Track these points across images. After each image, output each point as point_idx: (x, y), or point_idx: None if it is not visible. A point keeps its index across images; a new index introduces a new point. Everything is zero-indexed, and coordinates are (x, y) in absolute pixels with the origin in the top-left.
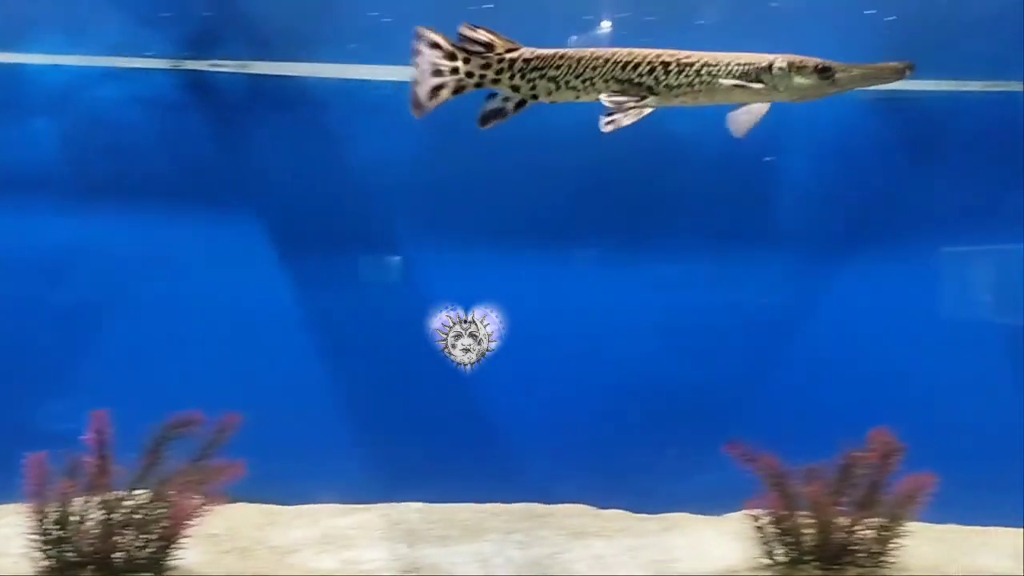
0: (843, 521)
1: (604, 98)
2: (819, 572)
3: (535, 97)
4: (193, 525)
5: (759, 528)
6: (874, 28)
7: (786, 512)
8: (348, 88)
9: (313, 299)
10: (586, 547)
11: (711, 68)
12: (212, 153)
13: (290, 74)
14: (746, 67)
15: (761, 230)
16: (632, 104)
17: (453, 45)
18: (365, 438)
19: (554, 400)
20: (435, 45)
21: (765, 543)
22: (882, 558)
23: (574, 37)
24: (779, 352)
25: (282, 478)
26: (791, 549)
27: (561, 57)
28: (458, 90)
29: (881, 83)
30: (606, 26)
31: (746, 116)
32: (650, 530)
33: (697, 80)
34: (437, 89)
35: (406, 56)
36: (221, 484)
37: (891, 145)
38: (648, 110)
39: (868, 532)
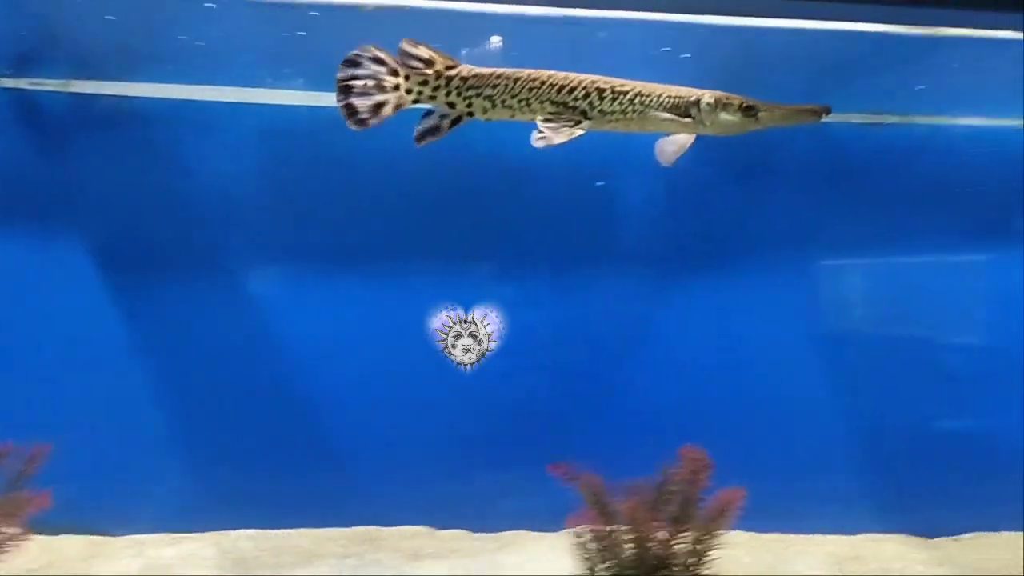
0: (661, 535)
1: (540, 120)
2: None
3: (471, 115)
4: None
5: (581, 544)
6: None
7: (605, 528)
8: (172, 107)
9: (140, 321)
10: (418, 568)
11: (643, 98)
12: (34, 172)
13: (113, 93)
14: (676, 100)
15: (595, 252)
16: (566, 126)
17: (396, 61)
18: (198, 465)
19: (392, 422)
20: (379, 61)
21: (587, 559)
22: (697, 569)
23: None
24: (614, 372)
25: (112, 508)
26: (612, 564)
27: (498, 77)
28: (398, 106)
29: (800, 122)
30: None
31: (672, 147)
32: (486, 549)
33: (630, 108)
34: (379, 106)
35: (225, 77)
36: (29, 516)
37: (722, 167)
38: (580, 132)
39: (683, 545)
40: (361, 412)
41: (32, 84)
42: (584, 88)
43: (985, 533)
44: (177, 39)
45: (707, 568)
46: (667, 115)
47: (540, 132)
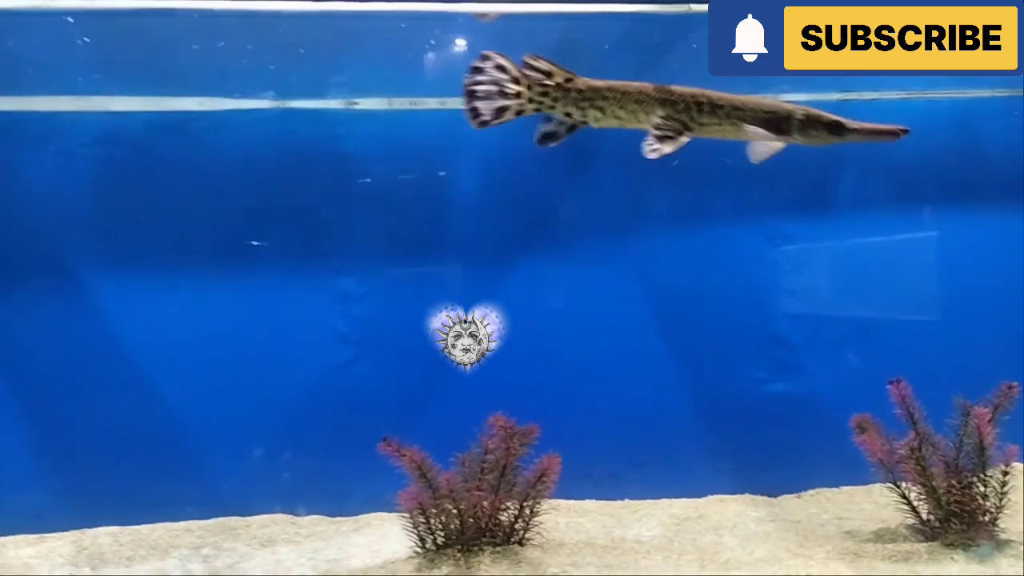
0: (484, 505)
1: (651, 131)
2: (459, 555)
3: (584, 123)
4: None
5: (412, 519)
6: None
7: (431, 502)
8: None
9: None
10: (271, 554)
11: (738, 112)
12: None
13: None
14: (768, 115)
15: (434, 240)
16: (672, 136)
17: (518, 70)
18: (56, 467)
19: (248, 414)
20: (502, 68)
21: (418, 533)
22: (524, 535)
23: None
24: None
25: None
26: (439, 536)
27: (610, 89)
28: (519, 112)
29: (879, 141)
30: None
31: (764, 149)
32: (340, 532)
33: (726, 122)
34: (502, 110)
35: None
36: None
37: (547, 155)
38: (685, 140)
39: (506, 513)
40: (217, 406)
41: None
42: (685, 102)
43: (826, 489)
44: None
45: (536, 534)
46: (760, 129)
47: (651, 143)
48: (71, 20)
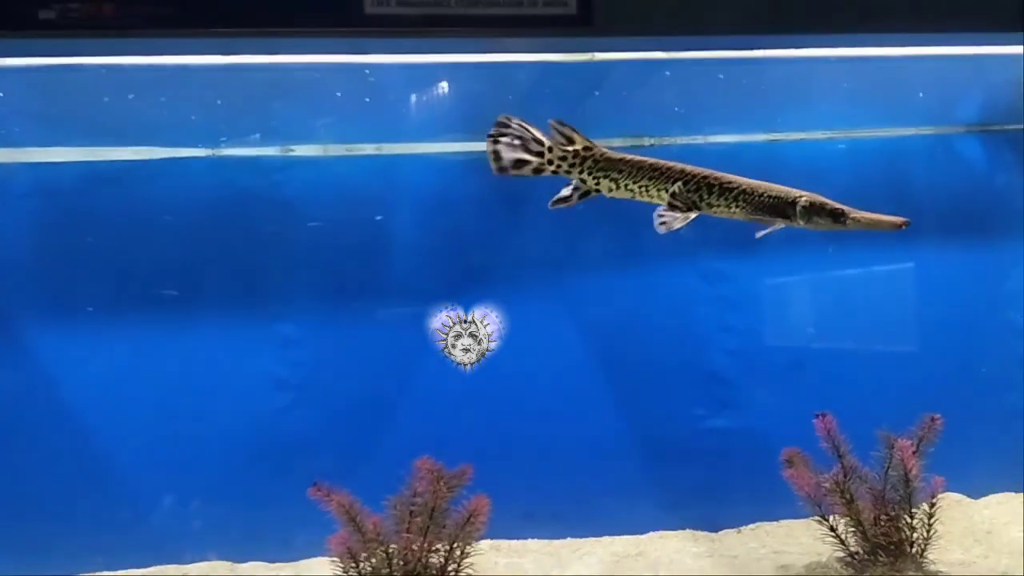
0: (414, 548)
1: (662, 207)
2: None
3: (598, 191)
4: None
5: (343, 564)
6: None
7: (360, 546)
8: None
9: None
10: None
11: (747, 196)
12: None
13: None
14: (775, 200)
15: (373, 284)
16: (680, 213)
17: (542, 133)
18: None
19: (186, 460)
20: (526, 128)
21: None
22: None
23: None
24: (391, 400)
25: None
26: None
27: (625, 163)
28: (537, 170)
29: (880, 230)
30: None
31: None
32: None
33: (734, 205)
34: (521, 162)
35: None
36: None
37: (482, 198)
38: (693, 216)
39: (436, 555)
40: (154, 454)
41: None
42: (696, 182)
43: (766, 523)
44: None
45: (469, 574)
46: (766, 214)
47: (661, 217)
48: None
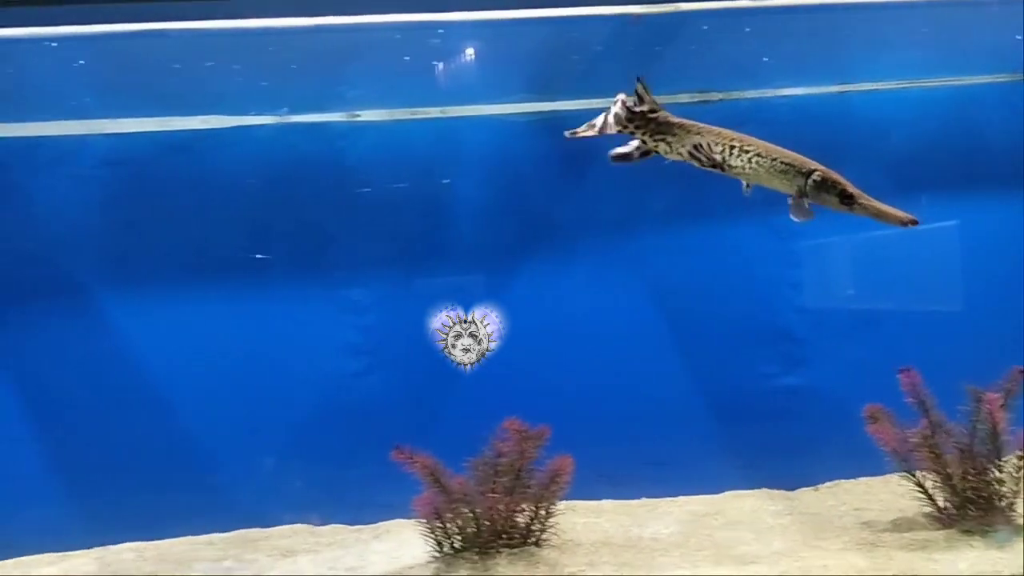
0: (500, 508)
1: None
2: (476, 558)
3: (657, 151)
4: None
5: (428, 525)
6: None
7: (446, 506)
8: (23, 145)
9: (11, 351)
10: (292, 564)
11: (760, 159)
12: None
13: None
14: (787, 167)
15: (440, 247)
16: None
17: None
18: (78, 486)
19: (264, 425)
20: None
21: (435, 538)
22: (540, 536)
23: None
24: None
25: None
26: (456, 540)
27: (678, 127)
28: (602, 129)
29: (886, 223)
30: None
31: (802, 214)
32: (360, 540)
33: (748, 166)
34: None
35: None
36: None
37: (547, 159)
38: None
39: (522, 515)
40: (233, 420)
41: None
42: (723, 144)
43: (844, 480)
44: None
45: (552, 535)
46: (779, 179)
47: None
48: (54, 45)
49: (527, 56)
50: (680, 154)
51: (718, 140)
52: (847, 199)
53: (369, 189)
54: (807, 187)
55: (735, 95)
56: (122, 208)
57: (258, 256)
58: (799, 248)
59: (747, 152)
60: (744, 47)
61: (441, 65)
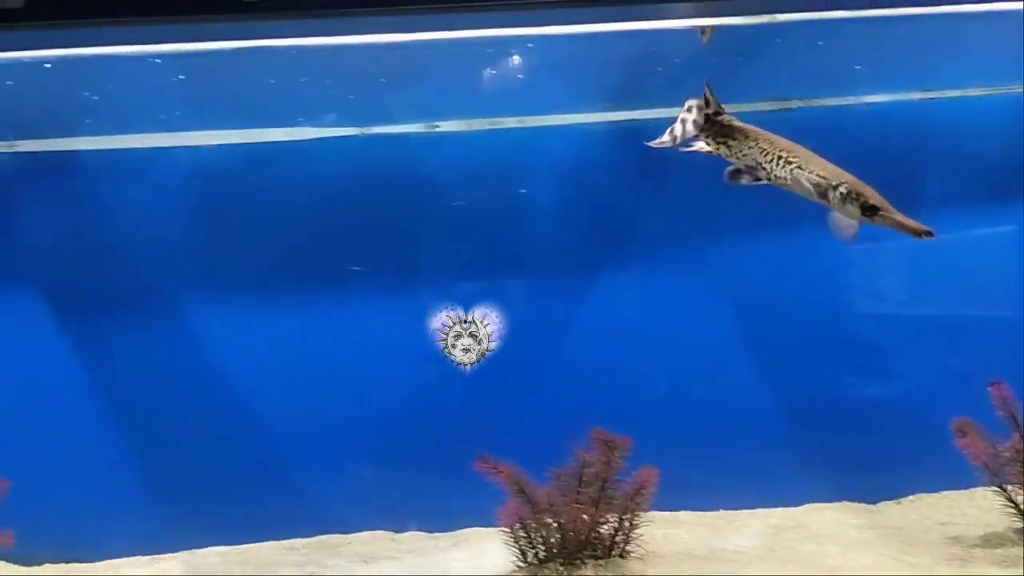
0: (585, 518)
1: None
2: (562, 568)
3: (718, 154)
4: None
5: (512, 534)
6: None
7: (530, 516)
8: (108, 157)
9: (97, 358)
10: (374, 570)
11: (798, 171)
12: None
13: (55, 149)
14: (819, 179)
15: (517, 256)
16: (752, 180)
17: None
18: (167, 490)
19: (344, 431)
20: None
21: (519, 547)
22: (624, 548)
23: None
24: (543, 368)
25: (89, 535)
26: (540, 550)
27: (738, 131)
28: (676, 135)
29: (903, 233)
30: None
31: (848, 230)
32: (439, 547)
33: (788, 176)
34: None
35: (150, 124)
36: None
37: (624, 168)
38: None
39: (606, 526)
40: (314, 426)
41: None
42: (772, 154)
43: (927, 494)
44: (86, 95)
45: (637, 546)
46: (810, 190)
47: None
48: (159, 61)
49: (607, 67)
50: (738, 158)
51: (769, 149)
52: (868, 210)
53: (463, 203)
54: (833, 199)
55: (816, 102)
56: (206, 218)
57: (354, 268)
58: (879, 255)
59: (790, 164)
60: (829, 55)
61: (521, 76)
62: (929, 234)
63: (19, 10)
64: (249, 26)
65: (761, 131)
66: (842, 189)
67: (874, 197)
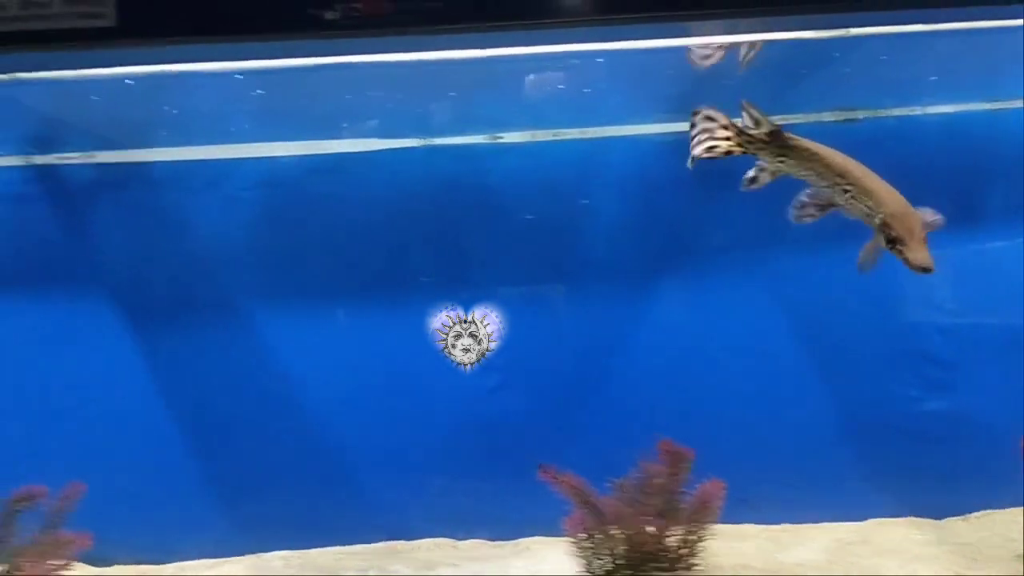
0: (650, 530)
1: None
2: None
3: (781, 172)
4: None
5: (576, 544)
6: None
7: (595, 527)
8: (180, 168)
9: (167, 366)
10: None
11: (855, 201)
12: (64, 239)
13: (130, 160)
14: (867, 210)
15: (578, 267)
16: (818, 212)
17: (727, 119)
18: (233, 496)
19: (405, 439)
20: (710, 119)
21: (584, 558)
22: (689, 560)
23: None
24: (602, 378)
25: (159, 539)
26: (606, 561)
27: (793, 149)
28: (728, 152)
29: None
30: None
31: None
32: (501, 556)
33: (850, 203)
34: (712, 147)
35: (222, 136)
36: (70, 552)
37: (685, 179)
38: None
39: (672, 538)
40: (375, 434)
41: (59, 159)
42: (830, 179)
43: (994, 511)
44: (166, 109)
45: (701, 559)
46: (860, 216)
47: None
48: (240, 77)
49: (668, 79)
50: (798, 176)
51: (827, 174)
52: (891, 242)
53: (530, 216)
54: (874, 225)
55: (881, 113)
56: (272, 228)
57: (423, 279)
58: (943, 266)
59: (846, 191)
60: (895, 66)
61: (588, 89)
62: (928, 271)
63: (111, 29)
64: (331, 44)
65: (816, 146)
66: (878, 219)
67: (900, 229)
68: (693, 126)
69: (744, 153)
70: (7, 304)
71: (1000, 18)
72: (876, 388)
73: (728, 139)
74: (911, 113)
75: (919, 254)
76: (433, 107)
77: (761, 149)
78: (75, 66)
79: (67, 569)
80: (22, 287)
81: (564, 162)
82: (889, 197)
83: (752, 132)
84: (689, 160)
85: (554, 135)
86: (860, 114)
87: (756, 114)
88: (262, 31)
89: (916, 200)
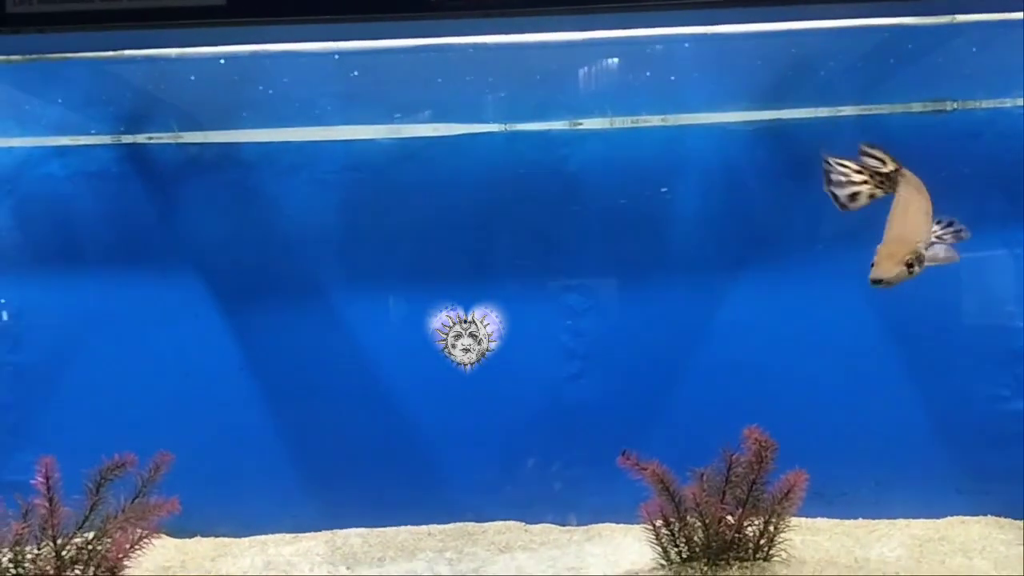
0: (729, 519)
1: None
2: (706, 568)
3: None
4: (134, 558)
5: (654, 532)
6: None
7: (675, 515)
8: (266, 150)
9: (252, 342)
10: (511, 559)
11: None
12: (152, 218)
13: (217, 141)
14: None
15: (657, 255)
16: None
17: (857, 163)
18: (312, 472)
19: (482, 423)
20: (843, 165)
21: (661, 545)
22: (769, 551)
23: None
24: (681, 368)
25: (237, 513)
26: (684, 549)
27: (901, 182)
28: (872, 196)
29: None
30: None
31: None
32: (573, 541)
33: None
34: (855, 195)
35: (308, 119)
36: (159, 519)
37: (770, 168)
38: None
39: (752, 528)
40: (454, 416)
41: (148, 138)
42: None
43: None
44: (260, 90)
45: (780, 551)
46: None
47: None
48: (337, 57)
49: (754, 67)
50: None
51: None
52: (910, 268)
53: (625, 201)
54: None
55: (971, 104)
56: (357, 211)
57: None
58: None
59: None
60: (985, 57)
61: (653, 74)
62: (875, 282)
63: (221, 8)
64: (428, 24)
65: (915, 183)
66: (913, 255)
67: (880, 251)
68: (828, 173)
69: (885, 194)
70: (98, 281)
71: None
72: (962, 386)
73: (865, 182)
74: (1001, 105)
75: (875, 268)
76: (520, 92)
77: (891, 185)
78: (181, 44)
79: (154, 537)
80: (112, 265)
81: (644, 149)
82: (896, 225)
83: (883, 171)
84: (842, 209)
85: (634, 122)
86: (949, 105)
87: (880, 153)
88: (363, 11)
89: (1009, 191)
